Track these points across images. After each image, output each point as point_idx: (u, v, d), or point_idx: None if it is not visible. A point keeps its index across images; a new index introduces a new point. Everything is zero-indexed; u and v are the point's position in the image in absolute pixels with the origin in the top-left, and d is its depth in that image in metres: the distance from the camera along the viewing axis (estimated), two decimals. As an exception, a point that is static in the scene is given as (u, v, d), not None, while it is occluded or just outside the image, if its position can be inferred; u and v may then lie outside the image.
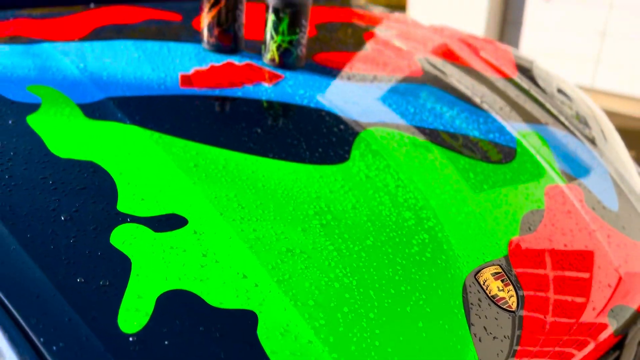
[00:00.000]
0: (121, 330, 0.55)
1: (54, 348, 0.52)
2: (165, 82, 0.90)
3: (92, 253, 0.61)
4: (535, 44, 5.21)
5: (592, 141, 1.10)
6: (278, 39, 0.97)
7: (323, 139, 0.83)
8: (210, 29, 1.01)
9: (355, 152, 0.81)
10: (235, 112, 0.85)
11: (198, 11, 1.28)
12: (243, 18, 1.02)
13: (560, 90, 1.32)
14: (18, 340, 0.53)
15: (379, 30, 1.36)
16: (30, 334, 0.53)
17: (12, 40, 1.01)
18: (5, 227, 0.62)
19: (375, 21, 1.46)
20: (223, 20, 0.99)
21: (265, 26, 1.00)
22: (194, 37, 1.11)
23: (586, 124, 1.20)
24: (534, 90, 1.22)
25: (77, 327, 0.55)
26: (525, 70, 1.33)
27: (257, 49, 1.08)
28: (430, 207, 0.76)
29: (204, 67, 0.96)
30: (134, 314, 0.56)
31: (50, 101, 0.82)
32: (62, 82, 0.87)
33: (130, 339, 0.54)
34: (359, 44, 1.22)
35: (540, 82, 1.29)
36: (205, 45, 1.04)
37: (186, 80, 0.91)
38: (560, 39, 4.98)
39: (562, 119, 1.13)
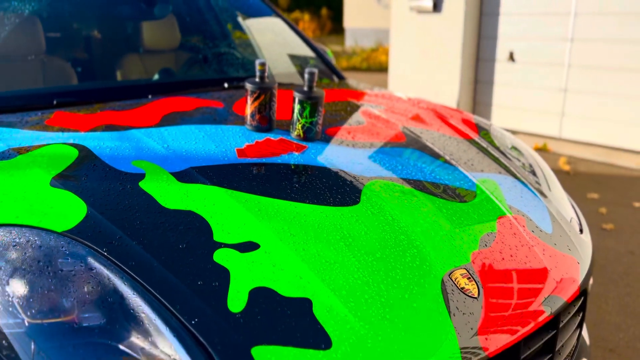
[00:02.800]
0: (230, 310, 0.89)
1: (193, 321, 0.87)
2: (227, 155, 1.27)
3: (204, 267, 0.96)
4: (505, 101, 5.76)
5: (534, 184, 1.49)
6: (302, 120, 1.36)
7: (341, 189, 1.20)
8: (252, 115, 1.40)
9: (363, 198, 1.19)
10: (279, 173, 1.23)
11: (234, 98, 1.69)
12: (275, 106, 1.42)
13: (513, 147, 1.72)
14: (169, 317, 0.87)
15: (371, 107, 1.77)
16: (178, 315, 0.88)
17: (107, 128, 1.39)
18: (148, 253, 0.97)
19: (367, 99, 1.88)
20: (262, 109, 1.38)
21: (292, 111, 1.39)
22: (237, 120, 1.50)
23: (532, 172, 1.59)
24: (490, 148, 1.62)
25: (204, 309, 0.89)
26: (484, 132, 1.74)
27: (284, 126, 1.47)
28: (417, 232, 1.13)
29: (251, 143, 1.34)
30: (236, 301, 0.91)
31: (151, 171, 1.19)
32: (155, 157, 1.24)
33: (237, 315, 0.89)
34: (357, 119, 1.62)
35: (496, 141, 1.70)
36: (248, 126, 1.42)
37: (242, 152, 1.29)
38: (527, 95, 5.53)
39: (512, 169, 1.53)
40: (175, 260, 0.97)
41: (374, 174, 1.28)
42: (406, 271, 1.03)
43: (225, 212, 1.08)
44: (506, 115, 5.77)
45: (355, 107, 1.75)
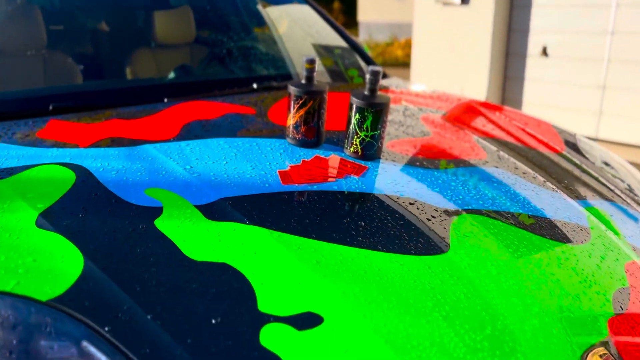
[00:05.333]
0: None
1: None
2: (267, 180, 0.98)
3: (249, 355, 0.66)
4: (536, 98, 5.41)
5: (649, 213, 1.18)
6: (362, 133, 1.06)
7: (422, 228, 0.90)
8: (297, 126, 1.10)
9: (453, 241, 0.88)
10: (337, 206, 0.93)
11: (268, 102, 1.39)
12: (325, 115, 1.12)
13: (605, 162, 1.40)
14: None
15: (432, 112, 1.46)
16: None
17: (114, 142, 1.10)
18: (167, 333, 0.68)
19: (423, 102, 1.57)
20: (310, 118, 1.09)
21: (347, 122, 1.09)
22: (274, 131, 1.20)
23: (633, 192, 1.28)
24: (585, 165, 1.31)
25: None
26: (571, 144, 1.42)
27: (333, 140, 1.17)
28: (532, 292, 0.82)
29: (297, 163, 1.04)
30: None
31: (171, 204, 0.90)
32: (175, 184, 0.95)
33: None
34: (421, 129, 1.31)
35: (588, 156, 1.38)
36: (290, 140, 1.13)
37: (286, 177, 0.99)
38: (561, 92, 5.18)
39: (618, 192, 1.21)
40: (206, 344, 0.67)
41: (459, 206, 0.98)
42: (529, 354, 0.73)
43: (273, 265, 0.79)
44: (537, 113, 5.42)
45: (414, 113, 1.44)
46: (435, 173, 1.08)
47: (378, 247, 0.85)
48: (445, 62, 5.82)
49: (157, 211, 0.88)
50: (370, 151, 1.08)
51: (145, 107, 1.31)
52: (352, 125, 1.07)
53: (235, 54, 1.91)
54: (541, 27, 5.23)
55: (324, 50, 2.07)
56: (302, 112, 1.08)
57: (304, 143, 1.11)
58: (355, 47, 2.07)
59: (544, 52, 5.25)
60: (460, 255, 0.86)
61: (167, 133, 1.15)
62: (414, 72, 6.19)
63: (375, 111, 1.04)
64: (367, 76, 1.05)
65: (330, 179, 1.00)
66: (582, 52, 4.95)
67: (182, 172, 0.99)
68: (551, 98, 5.29)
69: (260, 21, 2.32)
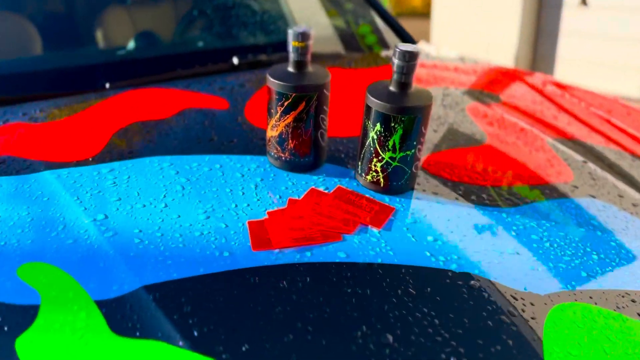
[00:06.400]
0: None
1: None
2: (229, 243, 0.58)
3: None
4: (572, 53, 4.86)
5: None
6: (386, 155, 0.66)
7: (494, 336, 0.51)
8: (281, 141, 0.69)
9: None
10: (344, 297, 0.54)
11: (248, 90, 0.98)
12: (327, 120, 0.71)
13: None
14: None
15: (481, 99, 1.04)
16: None
17: (1, 166, 0.71)
18: None
19: (467, 80, 1.14)
20: (301, 128, 0.68)
21: (362, 132, 0.68)
22: (251, 138, 0.80)
23: None
24: None
25: None
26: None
27: (342, 154, 0.77)
28: None
29: (279, 207, 0.65)
30: None
31: (54, 298, 0.52)
32: (70, 254, 0.56)
33: None
34: (471, 129, 0.89)
35: None
36: (272, 160, 0.72)
37: (259, 236, 0.59)
38: (601, 48, 4.62)
39: None
40: None
41: (551, 286, 0.58)
42: None
43: None
44: (573, 70, 4.91)
45: (457, 101, 1.02)
46: (505, 215, 0.68)
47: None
48: (470, 14, 5.24)
49: (28, 314, 0.50)
50: (399, 181, 0.68)
51: (70, 100, 0.91)
52: (369, 141, 0.66)
53: (222, 15, 1.47)
54: (581, -28, 4.62)
55: (332, 5, 1.63)
56: (289, 118, 0.67)
57: (293, 165, 0.71)
58: (374, 5, 1.61)
59: (583, 1, 4.66)
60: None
61: (85, 148, 0.76)
62: (434, 25, 5.62)
63: (407, 120, 0.63)
64: (395, 61, 0.63)
65: (331, 235, 0.60)
66: (628, 0, 4.37)
67: (88, 229, 0.60)
68: (589, 53, 4.74)
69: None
